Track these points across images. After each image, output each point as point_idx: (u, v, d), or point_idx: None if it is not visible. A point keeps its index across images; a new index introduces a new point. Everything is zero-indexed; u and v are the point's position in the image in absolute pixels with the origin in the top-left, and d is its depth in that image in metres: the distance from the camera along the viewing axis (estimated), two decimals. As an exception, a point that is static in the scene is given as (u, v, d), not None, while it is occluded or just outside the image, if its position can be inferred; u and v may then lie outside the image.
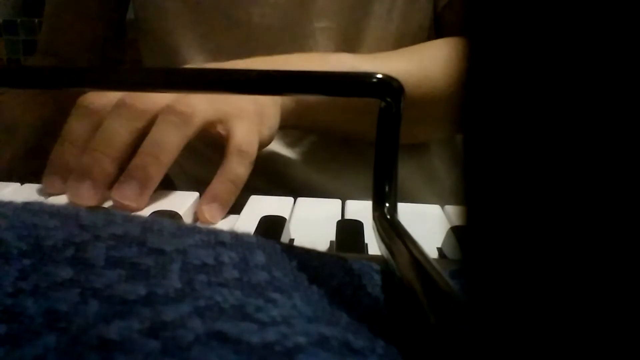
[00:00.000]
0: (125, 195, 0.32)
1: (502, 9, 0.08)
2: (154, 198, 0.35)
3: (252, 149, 0.36)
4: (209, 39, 0.52)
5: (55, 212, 0.18)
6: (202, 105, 0.34)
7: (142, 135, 0.33)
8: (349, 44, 0.51)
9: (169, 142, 0.32)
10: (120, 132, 0.33)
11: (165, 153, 0.32)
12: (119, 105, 0.33)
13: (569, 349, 0.08)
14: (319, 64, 0.43)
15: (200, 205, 0.33)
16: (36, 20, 1.01)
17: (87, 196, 0.32)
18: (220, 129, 0.36)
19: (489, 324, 0.08)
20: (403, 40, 0.50)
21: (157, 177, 0.32)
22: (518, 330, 0.08)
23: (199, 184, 0.41)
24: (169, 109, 0.33)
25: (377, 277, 0.19)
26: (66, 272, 0.15)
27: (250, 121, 0.37)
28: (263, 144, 0.38)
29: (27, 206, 0.19)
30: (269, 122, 0.39)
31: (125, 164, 0.33)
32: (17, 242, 0.16)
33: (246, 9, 0.51)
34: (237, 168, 0.34)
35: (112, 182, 0.33)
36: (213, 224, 0.33)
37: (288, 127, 0.44)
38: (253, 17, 0.51)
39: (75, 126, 0.34)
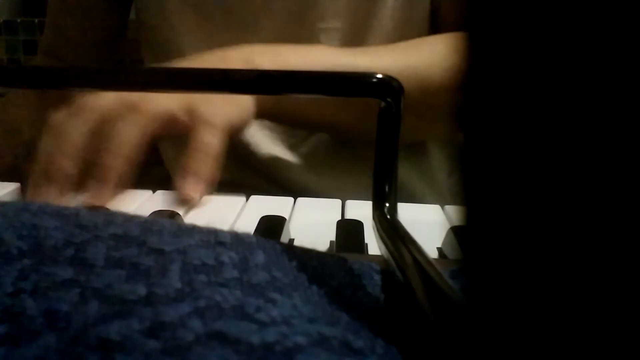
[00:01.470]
0: (95, 196, 0.32)
1: (502, 7, 0.08)
2: (154, 198, 0.35)
3: (220, 120, 0.35)
4: (212, 39, 0.52)
5: (55, 212, 0.18)
6: (159, 98, 0.35)
7: (99, 131, 0.34)
8: (353, 43, 0.51)
9: (126, 135, 0.33)
10: (71, 130, 0.33)
11: (125, 147, 0.32)
12: (72, 106, 0.34)
13: (569, 349, 0.08)
14: (302, 55, 0.43)
15: (177, 182, 0.33)
16: (36, 20, 1.01)
17: (45, 193, 0.32)
18: (185, 117, 0.36)
19: (489, 324, 0.08)
20: (405, 37, 0.50)
21: (122, 173, 0.33)
22: (518, 330, 0.08)
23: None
24: (123, 105, 0.34)
25: (377, 277, 0.19)
26: (66, 272, 0.15)
27: (214, 103, 0.37)
28: (234, 124, 0.38)
29: (27, 206, 0.19)
30: (239, 104, 0.39)
31: (84, 160, 0.34)
32: (17, 242, 0.16)
33: (251, 10, 0.51)
34: (206, 137, 0.34)
35: (71, 177, 0.33)
36: (195, 200, 0.33)
37: (266, 116, 0.44)
38: (258, 18, 0.51)
39: (45, 143, 0.35)
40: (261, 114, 0.43)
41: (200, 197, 0.33)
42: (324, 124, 0.48)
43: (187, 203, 0.33)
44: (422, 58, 0.46)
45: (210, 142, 0.34)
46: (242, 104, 0.40)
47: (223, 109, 0.37)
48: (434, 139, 0.56)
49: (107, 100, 0.35)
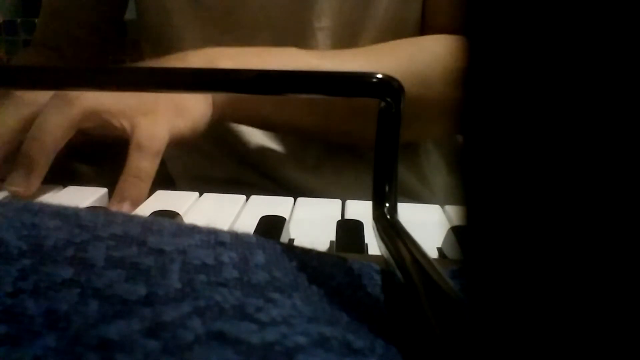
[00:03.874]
0: (13, 182, 0.33)
1: (502, 8, 0.08)
2: (154, 198, 0.35)
3: (154, 143, 0.36)
4: (212, 39, 0.52)
5: (55, 212, 0.18)
6: (98, 96, 0.35)
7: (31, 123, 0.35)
8: (348, 43, 0.51)
9: (51, 124, 0.33)
10: (4, 121, 0.35)
11: (48, 136, 0.33)
12: (9, 98, 0.35)
13: (569, 349, 0.08)
14: (265, 59, 0.43)
15: (110, 207, 0.33)
16: (36, 20, 1.01)
17: None
18: (125, 124, 0.36)
19: (489, 324, 0.08)
20: (398, 37, 0.50)
21: (42, 160, 0.33)
22: (518, 330, 0.08)
23: (201, 183, 0.41)
24: (54, 95, 0.34)
25: (377, 277, 0.19)
26: (66, 272, 0.15)
27: (159, 115, 0.37)
28: (180, 137, 0.38)
29: (27, 206, 0.19)
30: (190, 114, 0.39)
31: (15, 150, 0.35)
32: (17, 242, 0.16)
33: (250, 10, 0.51)
34: (139, 162, 0.35)
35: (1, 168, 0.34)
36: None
37: (227, 119, 0.44)
38: (257, 18, 0.51)
39: None
40: (221, 119, 0.43)
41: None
42: (291, 126, 0.48)
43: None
44: (399, 60, 0.46)
45: (143, 168, 0.35)
46: (193, 113, 0.40)
47: (167, 125, 0.37)
48: (419, 140, 0.56)
49: (45, 96, 0.35)
